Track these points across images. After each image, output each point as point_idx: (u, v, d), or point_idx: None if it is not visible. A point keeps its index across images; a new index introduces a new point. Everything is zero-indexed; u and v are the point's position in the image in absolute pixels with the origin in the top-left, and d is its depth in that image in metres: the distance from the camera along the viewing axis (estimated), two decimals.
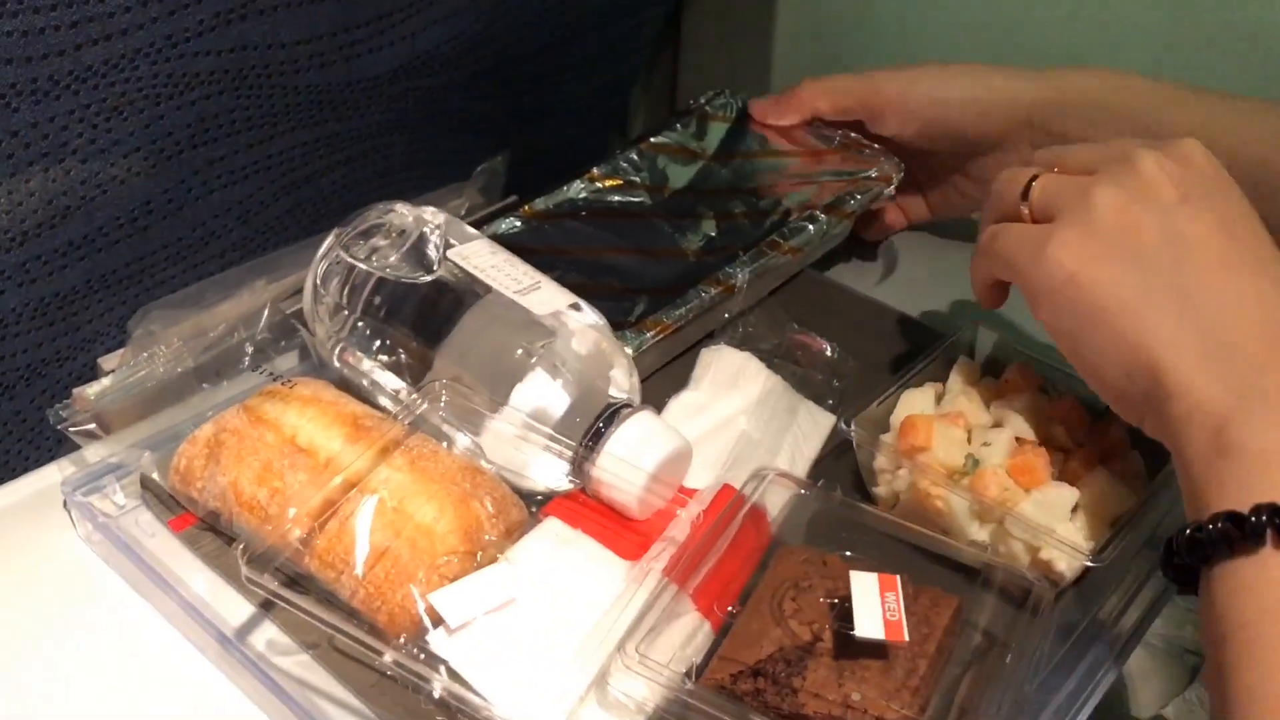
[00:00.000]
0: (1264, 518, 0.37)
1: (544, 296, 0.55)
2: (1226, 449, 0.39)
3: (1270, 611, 0.36)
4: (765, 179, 0.73)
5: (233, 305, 0.65)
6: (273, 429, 0.50)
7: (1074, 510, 0.50)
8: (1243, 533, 0.37)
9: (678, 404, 0.57)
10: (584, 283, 0.63)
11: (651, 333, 0.60)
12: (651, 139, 0.76)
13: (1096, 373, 0.46)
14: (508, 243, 0.66)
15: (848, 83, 0.70)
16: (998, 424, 0.53)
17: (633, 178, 0.73)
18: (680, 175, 0.74)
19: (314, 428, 0.50)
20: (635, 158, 0.74)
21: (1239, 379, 0.40)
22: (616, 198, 0.72)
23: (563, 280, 0.60)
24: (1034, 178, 0.49)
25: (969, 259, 0.54)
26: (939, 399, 0.55)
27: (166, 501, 0.52)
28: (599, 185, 0.72)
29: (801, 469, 0.56)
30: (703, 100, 0.79)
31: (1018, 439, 0.52)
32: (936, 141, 0.68)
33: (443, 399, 0.51)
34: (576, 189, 0.72)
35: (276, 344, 0.60)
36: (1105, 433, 0.53)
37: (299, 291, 0.66)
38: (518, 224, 0.69)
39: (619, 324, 0.59)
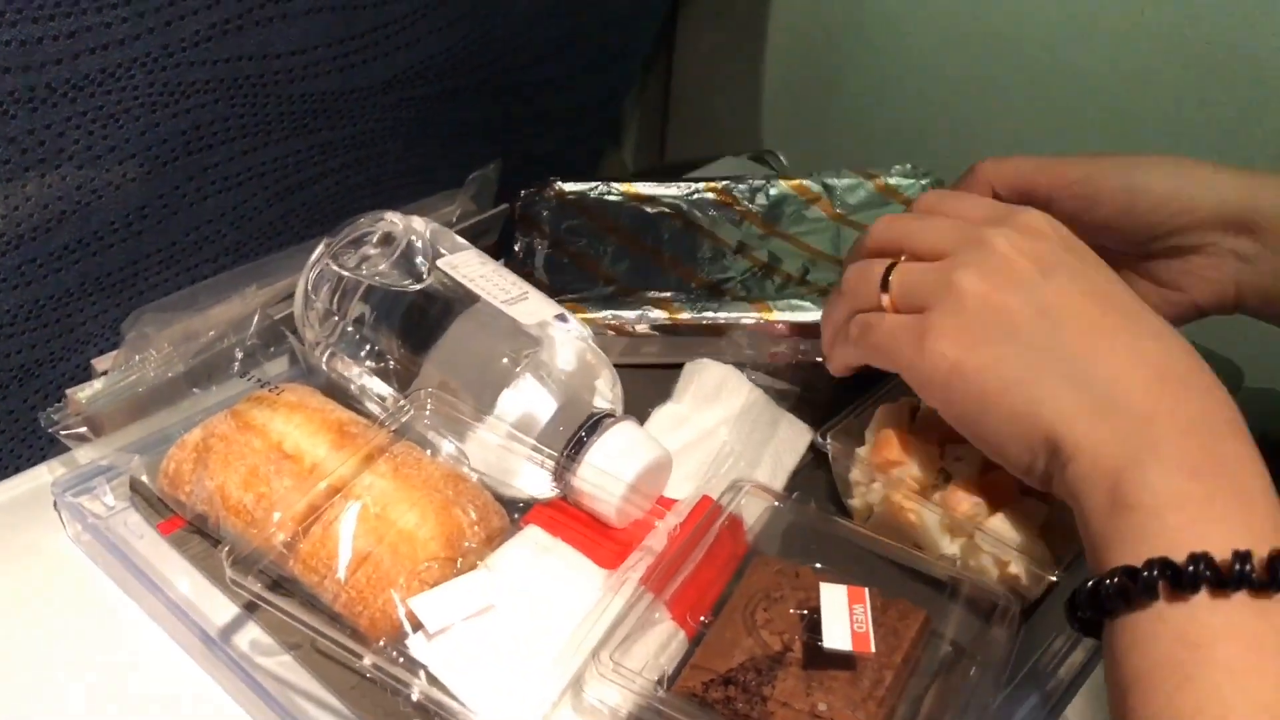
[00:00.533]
0: (1155, 571, 0.37)
1: (531, 307, 0.56)
2: (1121, 504, 0.40)
3: (1164, 664, 0.37)
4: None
5: (225, 309, 0.66)
6: (259, 435, 0.51)
7: (1044, 526, 0.51)
8: (1136, 586, 0.38)
9: (660, 415, 0.58)
10: (586, 255, 0.68)
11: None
12: (807, 180, 0.75)
13: (999, 451, 0.46)
14: (587, 204, 0.73)
15: (1030, 164, 0.62)
16: None
17: (746, 204, 0.74)
18: (791, 221, 0.73)
19: (300, 434, 0.51)
20: (770, 190, 0.74)
21: (1129, 434, 0.41)
22: (713, 211, 0.73)
23: (572, 247, 0.66)
24: (890, 267, 0.50)
25: None
26: (914, 414, 0.56)
27: (155, 504, 0.53)
28: (708, 195, 0.74)
29: (781, 480, 0.57)
30: (892, 171, 0.76)
31: None
32: (1120, 233, 0.60)
33: (428, 407, 0.52)
34: (684, 190, 0.74)
35: (266, 350, 0.61)
36: None
37: (289, 297, 0.67)
38: (610, 194, 0.74)
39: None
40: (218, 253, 0.71)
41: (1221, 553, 0.37)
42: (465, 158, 0.85)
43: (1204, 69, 0.79)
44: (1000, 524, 0.50)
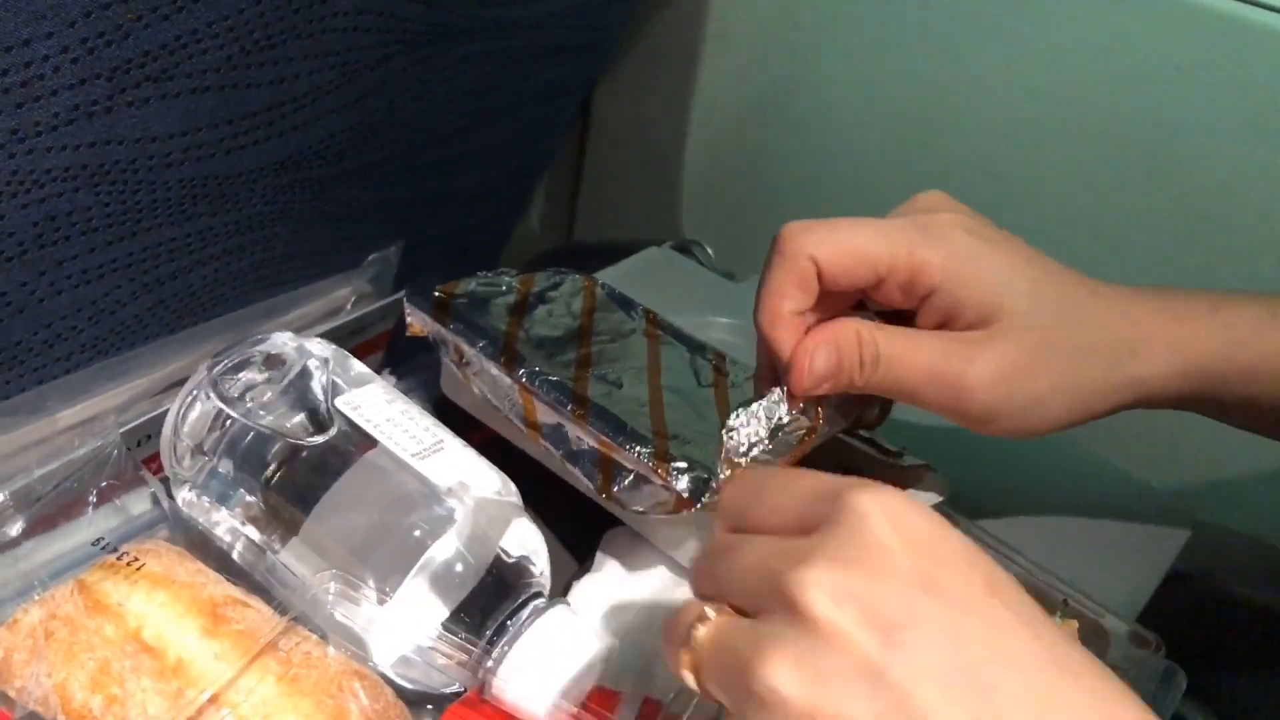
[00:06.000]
0: None
1: (447, 461, 0.48)
2: None
3: None
4: None
5: (77, 412, 0.58)
6: (113, 619, 0.42)
7: None
8: None
9: (580, 590, 0.51)
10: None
11: None
12: None
13: None
14: None
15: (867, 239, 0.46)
16: None
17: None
18: None
19: (164, 617, 0.42)
20: None
21: None
22: None
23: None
24: (698, 619, 0.34)
25: None
26: None
27: None
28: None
29: None
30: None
31: None
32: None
33: (331, 592, 0.44)
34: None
35: (126, 489, 0.52)
36: None
37: (153, 396, 0.59)
38: None
39: None
40: (72, 351, 0.61)
41: None
42: (362, 238, 0.77)
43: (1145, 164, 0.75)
44: None
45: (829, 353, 0.44)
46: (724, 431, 0.46)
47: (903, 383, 0.45)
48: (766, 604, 0.32)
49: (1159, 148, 0.74)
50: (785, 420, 0.47)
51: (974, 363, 0.44)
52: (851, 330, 0.45)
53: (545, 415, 0.51)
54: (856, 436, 0.56)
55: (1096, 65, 0.75)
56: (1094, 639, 0.51)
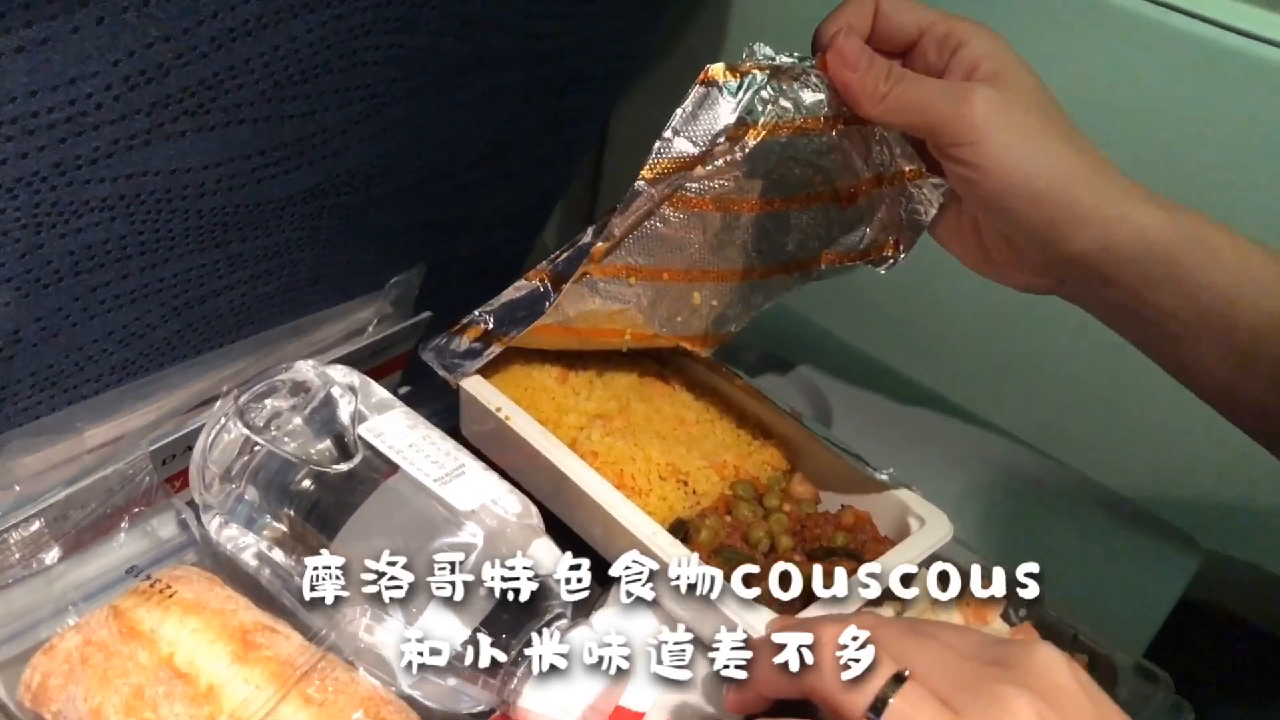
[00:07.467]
0: None
1: (468, 486, 0.49)
2: None
3: None
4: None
5: (105, 431, 0.59)
6: (146, 645, 0.43)
7: None
8: None
9: (599, 621, 0.52)
10: None
11: None
12: None
13: None
14: None
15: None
16: None
17: None
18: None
19: (196, 643, 0.43)
20: None
21: None
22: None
23: None
24: (895, 679, 0.37)
25: None
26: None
27: (14, 716, 0.45)
28: None
29: None
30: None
31: None
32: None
33: (363, 625, 0.45)
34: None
35: (156, 515, 0.53)
36: None
37: (177, 415, 0.60)
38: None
39: None
40: (102, 372, 0.63)
41: None
42: (384, 261, 0.78)
43: None
44: None
45: (864, 47, 0.52)
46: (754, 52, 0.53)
47: (919, 94, 0.51)
48: (964, 700, 0.36)
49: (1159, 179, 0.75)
50: (813, 78, 0.53)
51: (981, 85, 0.50)
52: (883, 59, 0.52)
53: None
54: (865, 464, 0.57)
55: (1105, 97, 0.76)
56: (1102, 674, 0.52)
